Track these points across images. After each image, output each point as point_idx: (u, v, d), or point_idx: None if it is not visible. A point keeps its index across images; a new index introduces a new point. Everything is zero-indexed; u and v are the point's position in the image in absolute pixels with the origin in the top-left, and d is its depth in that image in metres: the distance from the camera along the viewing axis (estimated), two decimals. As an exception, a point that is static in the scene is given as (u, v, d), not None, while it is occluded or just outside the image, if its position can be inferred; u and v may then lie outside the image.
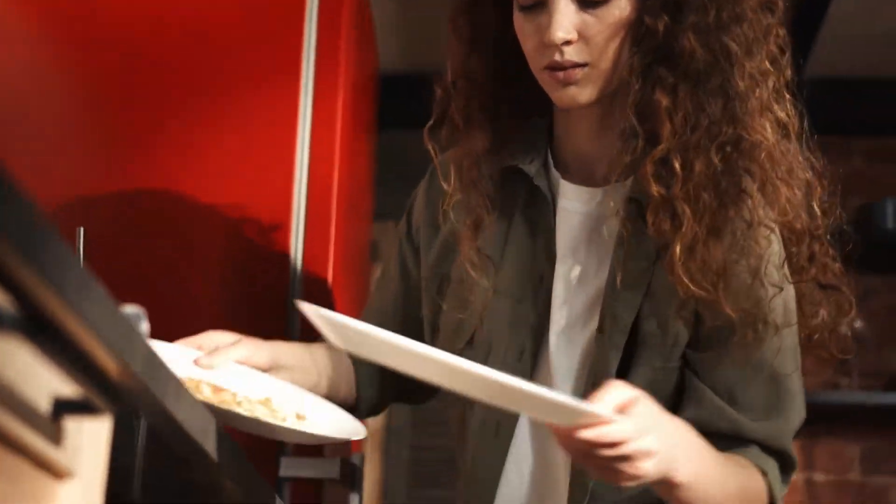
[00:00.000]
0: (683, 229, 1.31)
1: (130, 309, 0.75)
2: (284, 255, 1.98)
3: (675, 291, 1.35)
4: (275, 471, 1.84)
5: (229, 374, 1.38)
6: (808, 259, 1.39)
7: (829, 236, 1.41)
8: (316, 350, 1.52)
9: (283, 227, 2.00)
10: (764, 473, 1.37)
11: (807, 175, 1.38)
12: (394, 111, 2.97)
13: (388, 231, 3.66)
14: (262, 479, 1.25)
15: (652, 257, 1.37)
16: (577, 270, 1.41)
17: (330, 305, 2.00)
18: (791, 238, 1.39)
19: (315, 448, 1.90)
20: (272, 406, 1.35)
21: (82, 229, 1.31)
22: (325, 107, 2.05)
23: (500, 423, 1.42)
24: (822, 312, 1.40)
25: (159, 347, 1.32)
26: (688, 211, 1.31)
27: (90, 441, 0.71)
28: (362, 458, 2.00)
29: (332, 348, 1.55)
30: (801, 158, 1.38)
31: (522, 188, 1.45)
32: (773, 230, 1.37)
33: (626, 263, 1.37)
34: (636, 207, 1.37)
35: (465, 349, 1.44)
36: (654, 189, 1.32)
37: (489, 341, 1.43)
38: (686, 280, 1.32)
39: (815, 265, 1.39)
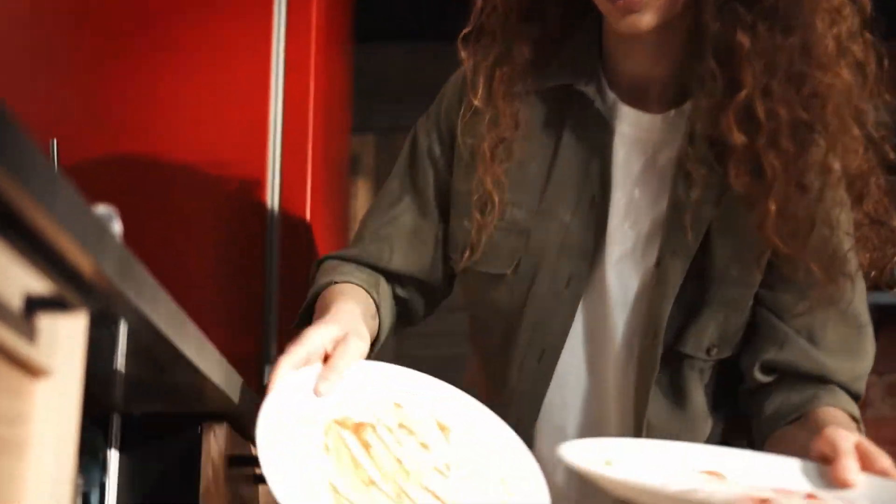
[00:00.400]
0: (775, 187, 1.28)
1: (102, 209, 0.75)
2: (261, 171, 1.97)
3: (751, 234, 1.33)
4: (259, 378, 1.86)
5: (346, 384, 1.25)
6: (864, 196, 1.35)
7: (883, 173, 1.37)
8: (360, 299, 1.42)
9: (259, 142, 2.00)
10: (857, 421, 1.37)
11: (876, 114, 1.34)
12: (371, 23, 2.95)
13: (368, 144, 3.65)
14: (247, 386, 1.26)
15: (718, 192, 1.34)
16: (634, 198, 1.37)
17: (306, 224, 1.99)
18: (854, 179, 1.35)
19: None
20: (405, 417, 1.26)
21: (55, 141, 1.30)
22: (300, 19, 2.04)
23: (546, 350, 1.40)
24: (874, 249, 1.38)
25: (284, 388, 1.19)
26: (777, 165, 1.27)
27: (66, 338, 0.72)
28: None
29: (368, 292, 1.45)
30: (873, 99, 1.34)
31: (573, 108, 1.39)
32: (840, 175, 1.34)
33: (690, 197, 1.34)
34: (705, 142, 1.33)
35: (511, 275, 1.40)
36: (738, 138, 1.27)
37: (535, 266, 1.39)
38: (777, 240, 1.30)
39: (869, 201, 1.36)
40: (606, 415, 1.42)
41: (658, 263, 1.36)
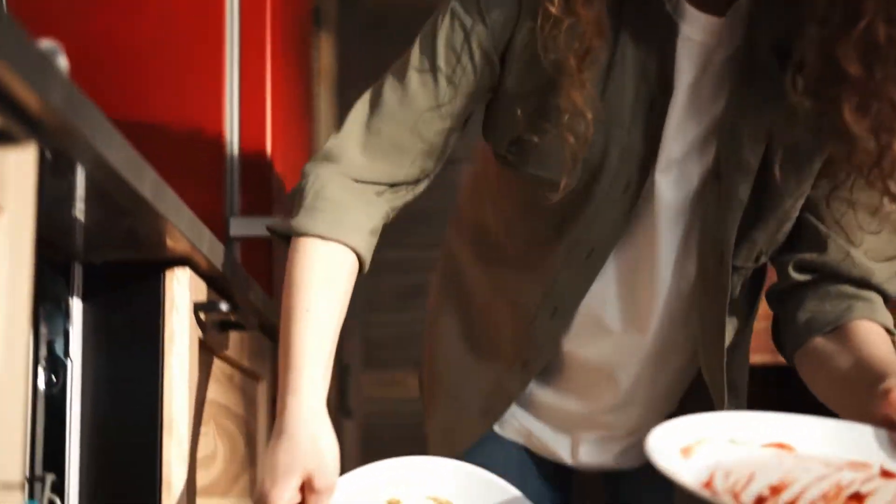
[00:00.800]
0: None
1: (46, 43, 0.73)
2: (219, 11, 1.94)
3: (813, 148, 1.29)
4: (224, 230, 1.85)
5: None
6: None
7: None
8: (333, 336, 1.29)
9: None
10: (891, 333, 1.35)
11: None
12: None
13: (330, -5, 3.58)
14: (211, 233, 1.25)
15: (779, 104, 1.27)
16: (690, 103, 1.32)
17: (263, 79, 1.96)
18: None
19: (264, 206, 1.90)
20: None
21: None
22: None
23: (595, 250, 1.37)
24: None
25: None
26: None
27: (16, 174, 0.71)
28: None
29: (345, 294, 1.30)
30: None
31: (633, 8, 1.31)
32: None
33: (749, 107, 1.29)
34: (769, 51, 1.26)
35: (570, 183, 1.31)
36: (857, 69, 1.19)
37: (595, 172, 1.32)
38: (890, 187, 1.24)
39: None
40: (646, 316, 1.40)
41: (718, 177, 1.31)
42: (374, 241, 1.32)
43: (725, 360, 1.39)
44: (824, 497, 1.07)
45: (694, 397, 1.47)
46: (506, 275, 1.47)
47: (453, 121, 1.33)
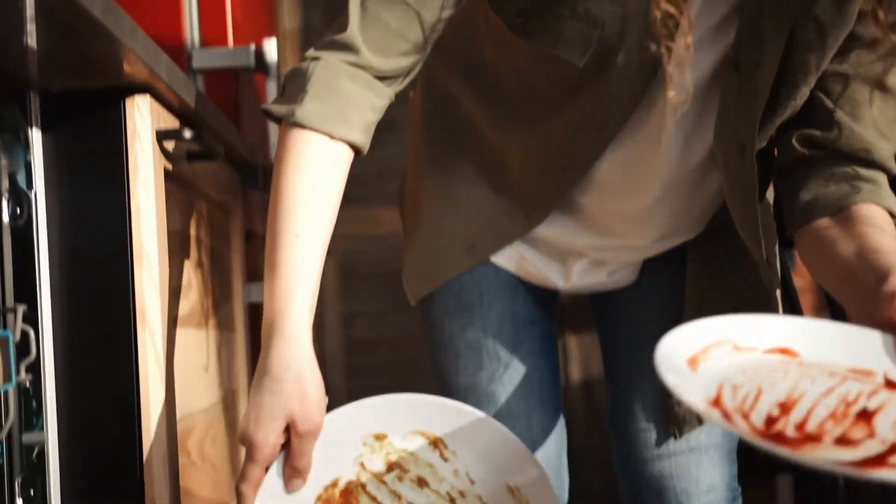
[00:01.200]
0: None
1: None
2: None
3: (834, 30, 1.24)
4: (187, 62, 1.82)
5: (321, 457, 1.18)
6: None
7: None
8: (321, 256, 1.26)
9: None
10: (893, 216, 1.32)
11: None
12: None
13: None
14: (170, 59, 1.22)
15: None
16: None
17: None
18: None
19: (226, 37, 1.87)
20: (392, 448, 1.21)
21: None
22: None
23: (608, 123, 1.34)
24: None
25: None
26: None
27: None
28: (275, 46, 1.97)
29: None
30: None
31: None
32: None
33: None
34: None
35: (583, 64, 1.29)
36: None
37: (609, 53, 1.29)
38: None
39: None
40: (650, 187, 1.39)
41: (737, 68, 1.27)
42: (373, 129, 1.28)
43: (764, 242, 1.37)
44: (833, 416, 1.03)
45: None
46: (510, 122, 1.43)
47: (455, 5, 1.28)
